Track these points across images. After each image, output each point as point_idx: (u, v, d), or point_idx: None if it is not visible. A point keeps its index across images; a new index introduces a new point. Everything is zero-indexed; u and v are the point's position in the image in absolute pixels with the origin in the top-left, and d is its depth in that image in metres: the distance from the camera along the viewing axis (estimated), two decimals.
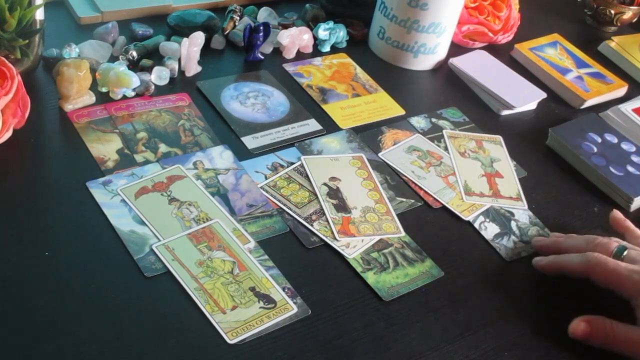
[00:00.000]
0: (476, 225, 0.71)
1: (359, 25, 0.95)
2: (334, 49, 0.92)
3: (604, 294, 0.66)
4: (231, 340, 0.55)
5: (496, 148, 0.82)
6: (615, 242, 0.66)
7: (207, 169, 0.70)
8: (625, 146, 0.84)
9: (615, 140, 0.85)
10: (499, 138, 0.83)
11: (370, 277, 0.63)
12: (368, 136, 0.79)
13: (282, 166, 0.72)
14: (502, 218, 0.73)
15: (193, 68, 0.82)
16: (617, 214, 0.72)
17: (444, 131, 0.82)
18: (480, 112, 0.88)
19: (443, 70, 0.93)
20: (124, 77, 0.74)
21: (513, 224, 0.72)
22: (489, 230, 0.71)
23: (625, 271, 0.62)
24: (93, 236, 0.61)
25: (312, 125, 0.79)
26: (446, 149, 0.80)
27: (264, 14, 0.93)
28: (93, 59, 0.78)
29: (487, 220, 0.72)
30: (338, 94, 0.85)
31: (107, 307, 0.56)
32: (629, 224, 0.71)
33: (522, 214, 0.73)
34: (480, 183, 0.76)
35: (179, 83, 0.80)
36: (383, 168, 0.75)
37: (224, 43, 0.88)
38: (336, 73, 0.88)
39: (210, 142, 0.73)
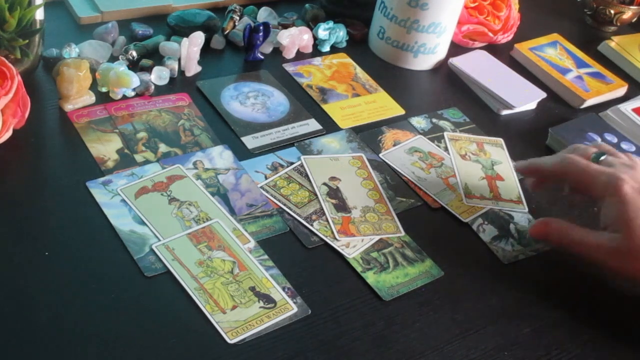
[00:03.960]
0: (474, 227, 0.71)
1: (359, 25, 0.95)
2: (334, 49, 0.92)
3: (604, 294, 0.66)
4: (231, 340, 0.55)
5: (497, 150, 0.81)
6: (594, 149, 0.67)
7: (207, 168, 0.70)
8: (625, 146, 0.84)
9: (615, 140, 0.85)
10: (500, 140, 0.83)
11: (370, 277, 0.63)
12: (368, 136, 0.79)
13: (282, 166, 0.72)
14: (501, 220, 0.72)
15: (193, 68, 0.82)
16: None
17: (445, 133, 0.82)
18: (480, 112, 0.87)
19: (443, 70, 0.93)
20: (124, 77, 0.74)
21: (512, 226, 0.72)
22: (487, 233, 0.71)
23: (595, 172, 0.62)
24: (93, 236, 0.61)
25: (312, 125, 0.79)
26: (446, 149, 0.80)
27: (264, 14, 0.93)
28: (93, 59, 0.78)
29: (486, 222, 0.72)
30: (338, 94, 0.85)
31: (107, 307, 0.56)
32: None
33: (522, 217, 0.73)
34: (481, 186, 0.76)
35: (179, 83, 0.80)
36: (383, 168, 0.75)
37: (224, 43, 0.88)
38: (336, 73, 0.88)
39: (210, 142, 0.73)
